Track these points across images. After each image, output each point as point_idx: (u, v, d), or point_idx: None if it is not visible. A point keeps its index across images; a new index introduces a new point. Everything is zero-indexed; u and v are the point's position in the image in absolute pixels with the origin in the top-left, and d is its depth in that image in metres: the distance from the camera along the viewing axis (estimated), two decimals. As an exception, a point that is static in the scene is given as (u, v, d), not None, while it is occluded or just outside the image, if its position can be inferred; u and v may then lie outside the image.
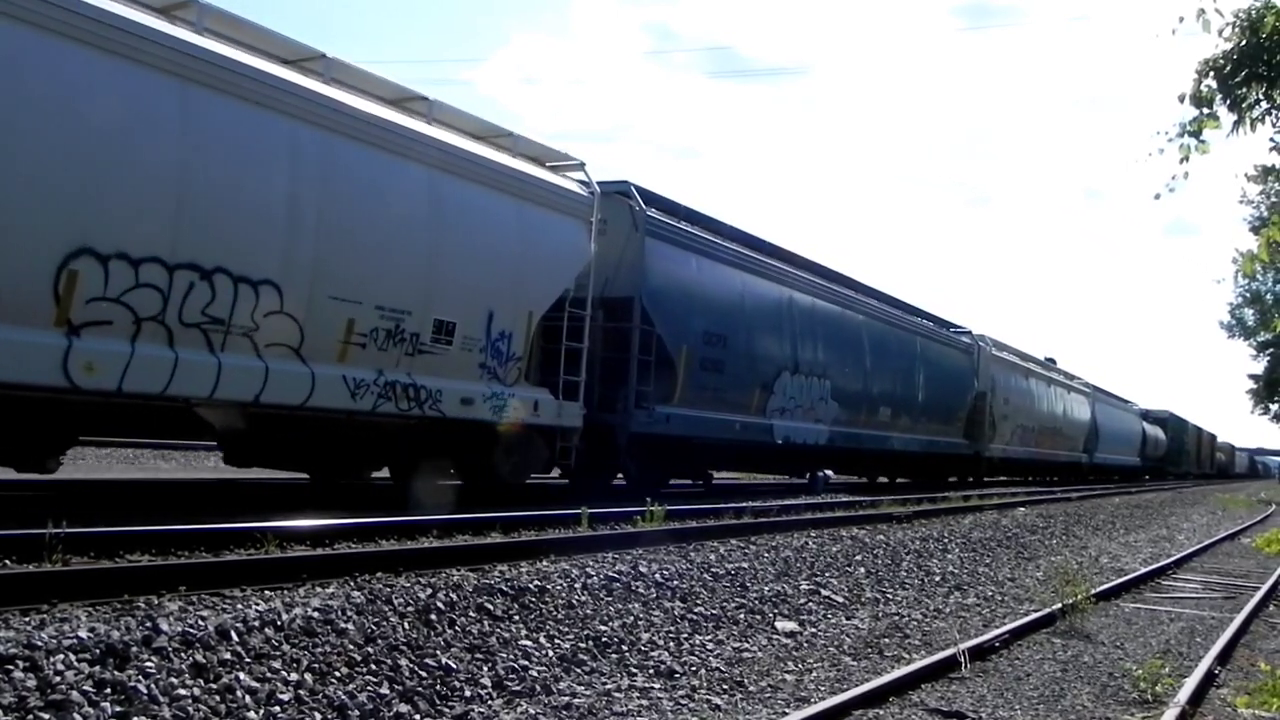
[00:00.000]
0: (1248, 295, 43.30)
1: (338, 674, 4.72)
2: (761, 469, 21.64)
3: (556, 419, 12.23)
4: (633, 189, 14.46)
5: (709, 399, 15.28)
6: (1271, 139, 11.97)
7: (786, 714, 5.09)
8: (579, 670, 5.67)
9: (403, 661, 5.03)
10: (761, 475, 23.48)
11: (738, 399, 16.13)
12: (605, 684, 5.51)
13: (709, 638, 6.76)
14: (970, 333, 29.33)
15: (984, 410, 28.12)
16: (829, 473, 21.06)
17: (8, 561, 5.60)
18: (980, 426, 27.96)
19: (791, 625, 7.47)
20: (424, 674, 5.01)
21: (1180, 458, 69.52)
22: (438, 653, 5.26)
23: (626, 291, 13.84)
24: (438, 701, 4.83)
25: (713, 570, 8.19)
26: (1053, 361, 41.26)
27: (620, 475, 15.01)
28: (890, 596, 9.16)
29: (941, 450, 25.94)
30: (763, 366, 16.85)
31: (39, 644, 4.03)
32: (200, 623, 4.61)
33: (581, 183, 12.91)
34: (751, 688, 5.74)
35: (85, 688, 3.89)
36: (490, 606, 6.03)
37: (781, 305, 17.77)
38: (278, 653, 4.67)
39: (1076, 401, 40.83)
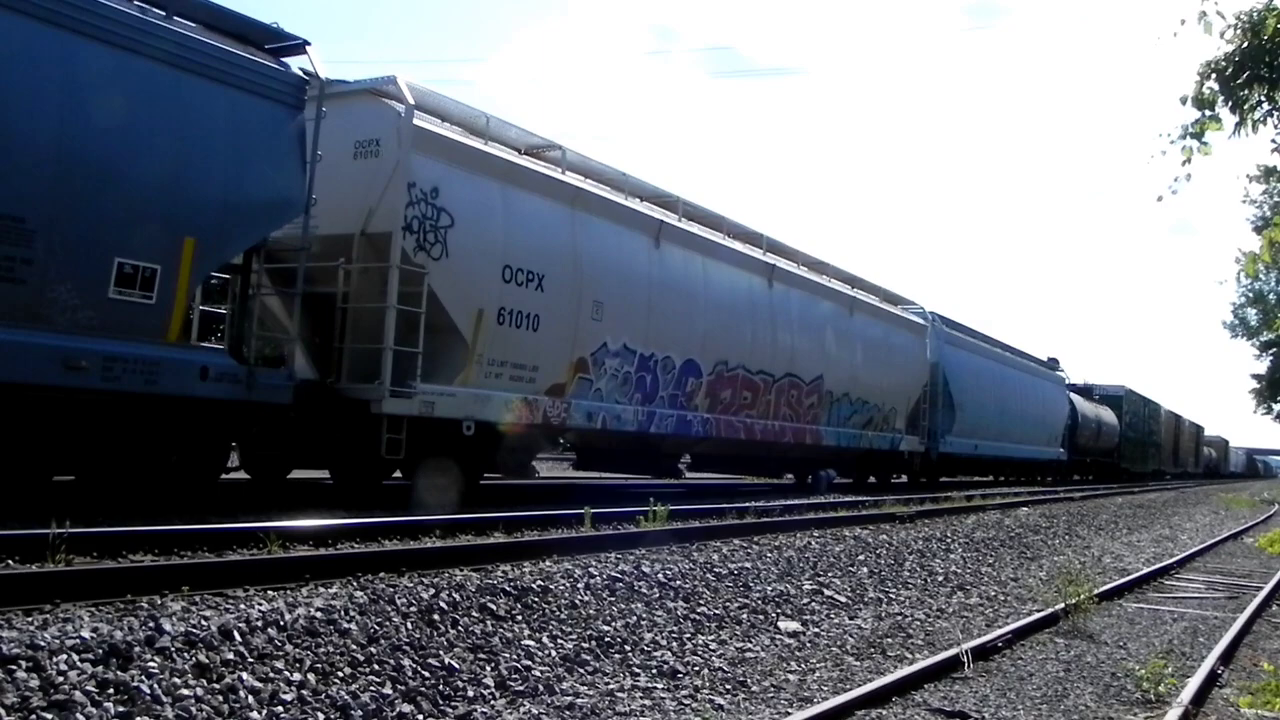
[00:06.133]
0: (1250, 295, 43.23)
1: (341, 674, 4.73)
2: None
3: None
4: None
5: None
6: (1273, 140, 11.98)
7: (790, 714, 5.08)
8: (582, 670, 5.67)
9: (406, 661, 5.03)
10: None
11: None
12: (608, 684, 5.51)
13: (712, 638, 6.76)
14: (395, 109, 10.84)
15: (442, 323, 10.80)
16: (832, 472, 20.55)
17: (11, 561, 5.61)
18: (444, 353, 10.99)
19: (794, 625, 7.47)
20: (427, 674, 5.01)
21: (1144, 452, 52.16)
22: (440, 653, 5.26)
23: None
24: (440, 701, 4.83)
25: (716, 570, 8.19)
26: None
27: None
28: (893, 596, 9.16)
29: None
30: None
31: (42, 644, 4.03)
32: (203, 623, 4.62)
33: None
34: (754, 688, 5.74)
35: (88, 688, 3.89)
36: (493, 606, 6.03)
37: None
38: (281, 653, 4.67)
39: (882, 335, 21.61)
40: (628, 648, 6.16)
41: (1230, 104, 9.45)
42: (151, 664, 4.18)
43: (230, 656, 4.47)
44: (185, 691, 4.10)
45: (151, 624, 4.46)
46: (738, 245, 16.68)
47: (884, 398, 21.56)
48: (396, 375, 10.20)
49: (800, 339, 18.04)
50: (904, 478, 24.64)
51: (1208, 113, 9.27)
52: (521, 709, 4.94)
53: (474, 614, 5.86)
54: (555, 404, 12.32)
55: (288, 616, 4.97)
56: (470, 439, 11.15)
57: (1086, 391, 44.65)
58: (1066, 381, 40.47)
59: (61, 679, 3.88)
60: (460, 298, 11.02)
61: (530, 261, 11.83)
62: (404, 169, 10.46)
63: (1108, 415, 44.99)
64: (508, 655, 5.51)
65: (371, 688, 4.69)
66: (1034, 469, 35.24)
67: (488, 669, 5.29)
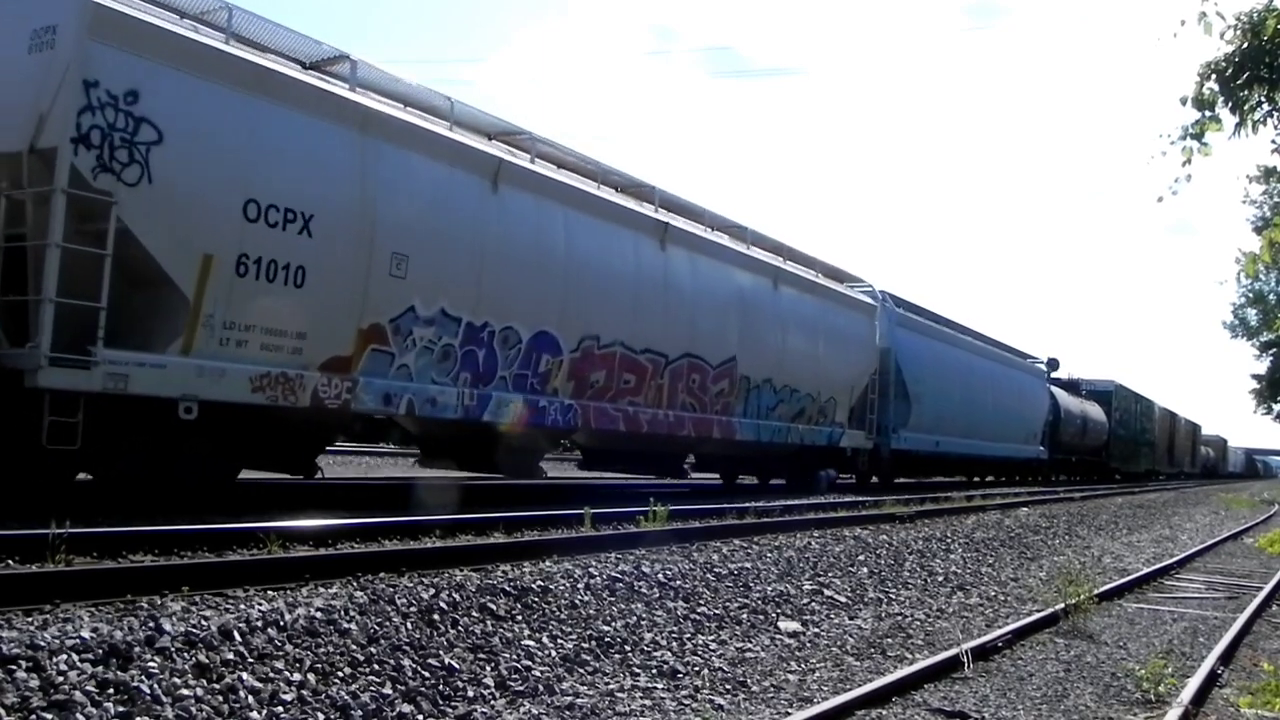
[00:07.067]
0: (1250, 295, 43.21)
1: (340, 674, 4.73)
2: None
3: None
4: None
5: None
6: (1273, 140, 12.00)
7: (789, 714, 5.08)
8: (582, 670, 5.67)
9: (405, 661, 5.03)
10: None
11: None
12: (608, 684, 5.51)
13: (712, 638, 6.76)
14: None
15: None
16: (832, 471, 20.44)
17: (11, 561, 5.62)
18: None
19: (794, 625, 7.47)
20: (427, 674, 5.01)
21: (1136, 451, 49.32)
22: (440, 653, 5.27)
23: None
24: (440, 701, 4.83)
25: (716, 570, 8.19)
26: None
27: None
28: (893, 596, 9.15)
29: None
30: None
31: (42, 644, 4.03)
32: (203, 623, 4.62)
33: None
34: (754, 688, 5.73)
35: (88, 688, 3.89)
36: (493, 606, 6.03)
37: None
38: (280, 653, 4.67)
39: (818, 314, 18.46)
40: (628, 648, 6.16)
41: (1230, 104, 9.46)
42: (151, 664, 4.18)
43: (230, 656, 4.47)
44: (185, 691, 4.10)
45: (151, 624, 4.46)
46: (618, 198, 13.76)
47: (819, 386, 18.33)
48: (67, 338, 7.56)
49: (705, 314, 14.88)
50: (852, 478, 21.75)
51: (1208, 113, 9.27)
52: (521, 709, 4.94)
53: (474, 614, 5.86)
54: (334, 382, 9.48)
55: (288, 616, 4.97)
56: (194, 425, 8.47)
57: (1073, 386, 41.92)
58: (1048, 374, 37.70)
59: (61, 679, 3.88)
60: (173, 238, 8.28)
61: (292, 197, 8.98)
62: (80, 62, 7.69)
63: (1095, 411, 42.00)
64: (508, 655, 5.51)
65: (371, 688, 4.69)
66: (1009, 468, 31.93)
67: (488, 669, 5.29)
